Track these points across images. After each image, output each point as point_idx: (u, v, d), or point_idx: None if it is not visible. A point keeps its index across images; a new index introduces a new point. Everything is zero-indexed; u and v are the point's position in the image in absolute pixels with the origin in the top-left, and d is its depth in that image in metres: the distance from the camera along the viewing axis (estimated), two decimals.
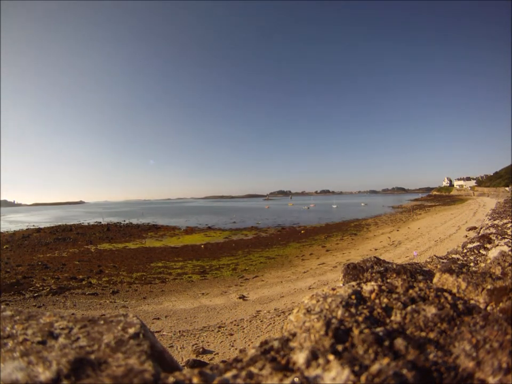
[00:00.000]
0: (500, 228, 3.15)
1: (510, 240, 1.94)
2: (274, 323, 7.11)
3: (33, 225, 45.14)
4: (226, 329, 7.06)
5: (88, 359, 0.55)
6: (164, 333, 6.95)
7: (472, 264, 1.51)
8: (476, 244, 2.19)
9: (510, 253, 1.40)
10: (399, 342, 0.57)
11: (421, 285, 0.84)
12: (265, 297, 9.70)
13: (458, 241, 14.02)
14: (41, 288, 11.58)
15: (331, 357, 0.54)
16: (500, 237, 2.21)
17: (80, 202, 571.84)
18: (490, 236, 2.34)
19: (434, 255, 1.59)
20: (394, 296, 0.77)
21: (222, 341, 6.36)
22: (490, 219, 4.75)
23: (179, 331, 7.08)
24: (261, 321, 7.35)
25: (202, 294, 10.65)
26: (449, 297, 0.74)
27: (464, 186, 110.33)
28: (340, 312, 0.69)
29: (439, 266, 1.28)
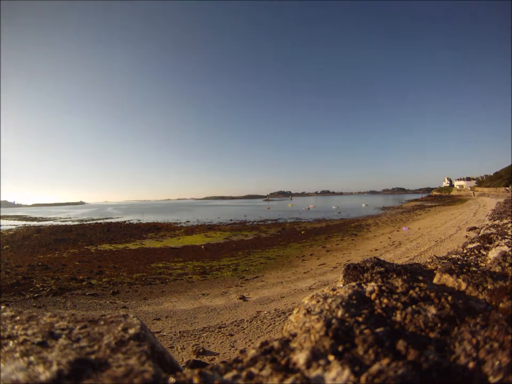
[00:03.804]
0: (500, 228, 3.15)
1: (510, 240, 1.93)
2: (274, 323, 7.10)
3: (34, 225, 45.15)
4: (226, 329, 7.05)
5: (88, 360, 0.55)
6: (164, 334, 6.95)
7: (472, 264, 1.51)
8: (476, 244, 2.19)
9: (510, 253, 1.40)
10: (400, 343, 0.57)
11: (421, 285, 0.84)
12: (265, 297, 9.69)
13: (458, 241, 14.01)
14: (41, 288, 11.57)
15: (331, 358, 0.54)
16: (500, 237, 2.21)
17: (81, 203, 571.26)
18: (491, 236, 2.33)
19: (435, 256, 1.59)
20: (395, 296, 0.77)
21: (222, 342, 6.35)
22: (490, 219, 4.74)
23: (179, 332, 7.07)
24: (261, 321, 7.34)
25: (203, 294, 10.64)
26: (450, 298, 0.74)
27: (464, 187, 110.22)
28: (340, 313, 0.69)
29: (439, 266, 1.28)
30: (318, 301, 0.75)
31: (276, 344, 0.60)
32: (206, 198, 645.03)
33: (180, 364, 3.64)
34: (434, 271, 1.08)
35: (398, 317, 0.68)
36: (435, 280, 0.96)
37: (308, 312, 0.71)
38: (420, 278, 0.97)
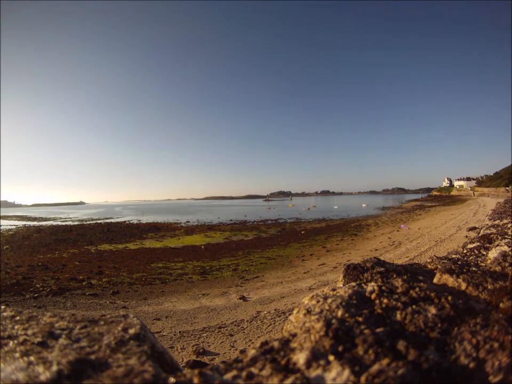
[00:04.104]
0: (500, 228, 3.15)
1: (510, 241, 1.93)
2: (274, 323, 7.10)
3: (33, 225, 45.13)
4: (226, 329, 7.05)
5: (88, 360, 0.55)
6: (164, 334, 6.94)
7: (472, 264, 1.51)
8: (476, 244, 2.18)
9: (510, 253, 1.40)
10: (400, 343, 0.57)
11: (422, 285, 0.84)
12: (265, 297, 9.69)
13: (458, 241, 14.01)
14: (41, 288, 11.57)
15: (331, 358, 0.54)
16: (500, 237, 2.21)
17: (81, 203, 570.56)
18: (491, 236, 2.33)
19: (435, 255, 1.59)
20: (395, 296, 0.77)
21: (222, 342, 6.35)
22: (490, 219, 4.74)
23: (179, 332, 7.07)
24: (261, 321, 7.34)
25: (203, 294, 10.64)
26: (450, 298, 0.74)
27: (464, 187, 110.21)
28: (340, 313, 0.69)
29: (439, 266, 1.28)
30: (318, 301, 0.75)
31: (276, 344, 0.60)
32: (206, 198, 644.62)
33: (180, 364, 3.65)
34: (435, 271, 1.08)
35: (398, 317, 0.68)
36: (435, 280, 0.96)
37: (308, 312, 0.71)
38: (420, 278, 0.97)
